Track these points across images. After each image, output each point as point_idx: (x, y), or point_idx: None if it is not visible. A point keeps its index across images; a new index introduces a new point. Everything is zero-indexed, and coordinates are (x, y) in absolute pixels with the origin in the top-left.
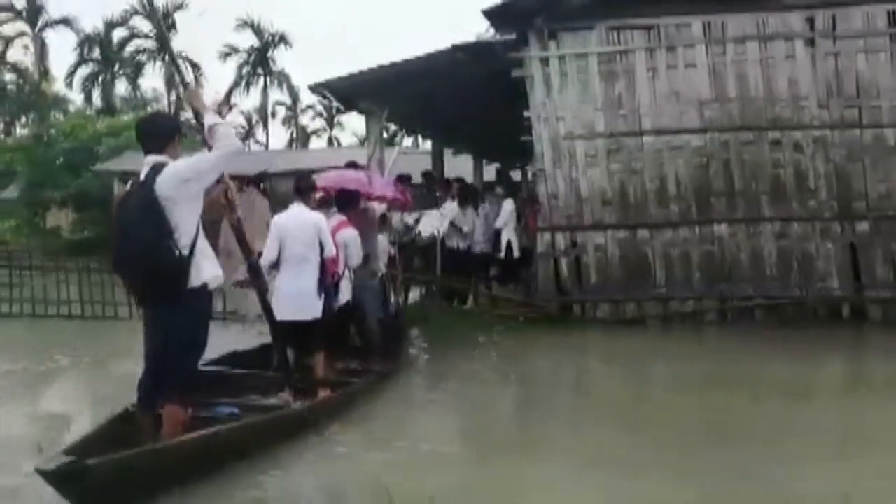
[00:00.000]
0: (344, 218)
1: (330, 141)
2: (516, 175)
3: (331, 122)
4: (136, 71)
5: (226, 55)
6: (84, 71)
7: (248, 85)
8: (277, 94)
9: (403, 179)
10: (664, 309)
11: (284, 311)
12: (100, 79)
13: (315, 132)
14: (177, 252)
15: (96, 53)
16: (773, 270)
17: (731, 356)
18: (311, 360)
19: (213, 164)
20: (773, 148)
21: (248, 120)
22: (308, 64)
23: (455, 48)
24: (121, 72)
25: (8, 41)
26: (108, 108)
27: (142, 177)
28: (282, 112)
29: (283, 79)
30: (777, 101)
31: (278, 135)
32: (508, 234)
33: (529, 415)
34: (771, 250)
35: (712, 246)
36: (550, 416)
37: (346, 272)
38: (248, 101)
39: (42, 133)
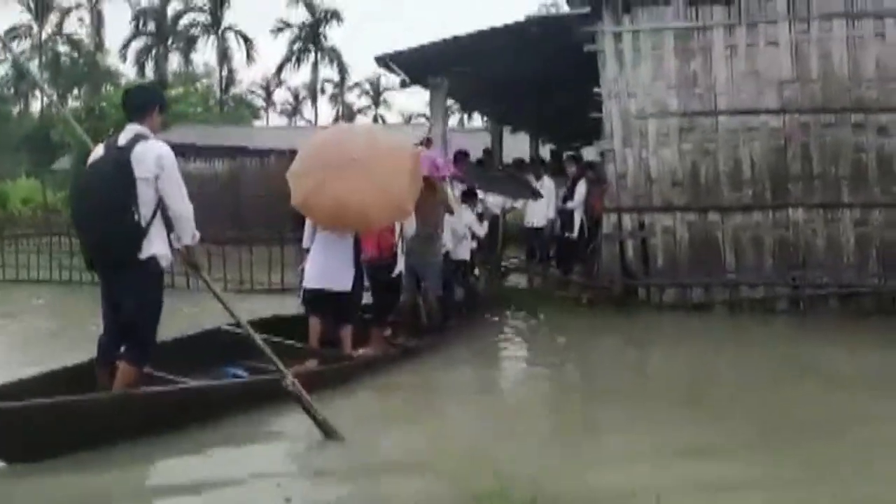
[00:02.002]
0: None
1: (375, 119)
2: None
3: (377, 101)
4: (188, 45)
5: (278, 30)
6: (138, 44)
7: (298, 61)
8: (327, 71)
9: (461, 156)
10: (733, 295)
11: (313, 278)
12: (153, 52)
13: (361, 110)
14: (136, 217)
15: (151, 27)
16: (851, 258)
17: (804, 345)
18: (339, 332)
19: (175, 201)
20: (856, 131)
21: (295, 96)
22: (358, 41)
23: (527, 20)
24: (174, 45)
25: (64, 12)
26: (161, 82)
27: (121, 142)
28: (329, 89)
29: (333, 55)
30: (862, 81)
31: (324, 112)
32: (580, 214)
33: (590, 399)
34: (849, 237)
35: (787, 231)
36: (613, 400)
37: (401, 244)
38: (297, 77)
39: (94, 105)
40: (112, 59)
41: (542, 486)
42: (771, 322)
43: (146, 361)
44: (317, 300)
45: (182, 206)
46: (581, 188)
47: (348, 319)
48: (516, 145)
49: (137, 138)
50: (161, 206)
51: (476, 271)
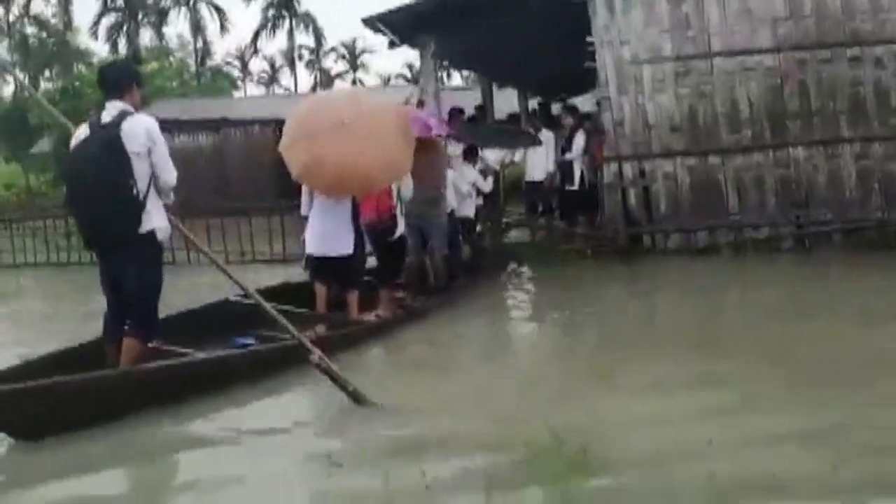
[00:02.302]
0: None
1: (354, 83)
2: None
3: (354, 65)
4: (160, 18)
5: None
6: (108, 20)
7: (273, 28)
8: (302, 37)
9: (456, 113)
10: (737, 237)
11: (315, 245)
12: (124, 28)
13: (339, 75)
14: (135, 191)
15: (120, 2)
16: (853, 193)
17: (811, 282)
18: (346, 296)
19: (166, 172)
20: (853, 65)
21: (272, 65)
22: (331, 4)
23: None
24: (145, 20)
25: None
26: (134, 57)
27: (105, 119)
28: (305, 55)
29: (308, 20)
30: (856, 14)
31: (302, 79)
32: (581, 165)
33: (609, 347)
34: (850, 172)
35: (788, 170)
36: (632, 348)
37: (399, 205)
38: (272, 45)
39: (69, 85)
40: (83, 38)
41: (587, 439)
42: (777, 261)
43: (152, 335)
44: (320, 266)
45: (172, 177)
46: (579, 139)
47: (353, 283)
48: (504, 101)
49: (123, 115)
50: (153, 181)
51: (478, 228)
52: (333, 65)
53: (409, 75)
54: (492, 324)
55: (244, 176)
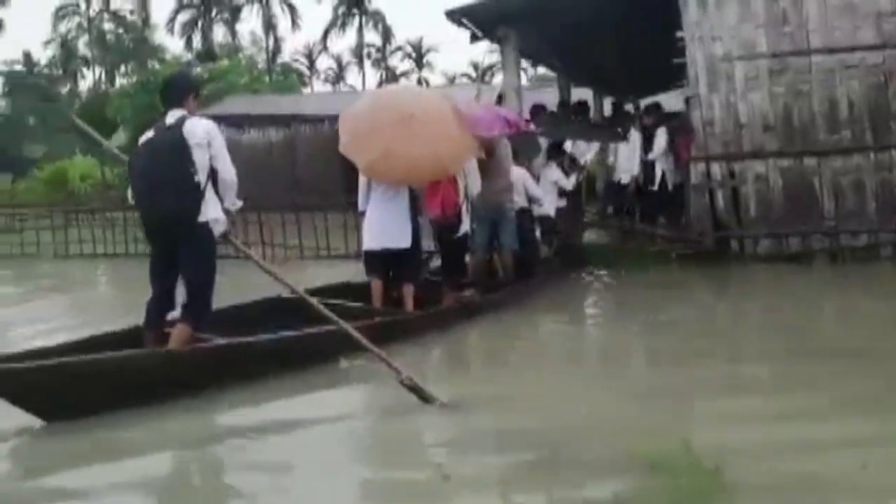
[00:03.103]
0: None
1: (419, 82)
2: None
3: (419, 63)
4: (233, 15)
5: None
6: (183, 17)
7: (343, 25)
8: (370, 35)
9: (538, 109)
10: (833, 243)
11: (373, 239)
12: (199, 24)
13: (404, 74)
14: (196, 178)
15: None
16: None
17: None
18: (402, 291)
19: (225, 166)
20: None
21: (339, 62)
22: (401, 2)
23: None
24: (218, 17)
25: None
26: (208, 54)
27: (169, 121)
28: (372, 54)
29: (378, 18)
30: None
31: (368, 77)
32: (662, 165)
33: (695, 356)
34: None
35: (890, 174)
36: (724, 358)
37: (466, 202)
38: (340, 42)
39: (146, 80)
40: (159, 34)
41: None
42: (876, 270)
43: (204, 324)
44: (376, 261)
45: (231, 171)
46: (660, 138)
47: (411, 278)
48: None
49: (184, 118)
50: (213, 173)
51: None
52: (399, 63)
53: (473, 74)
54: (563, 324)
55: (314, 171)
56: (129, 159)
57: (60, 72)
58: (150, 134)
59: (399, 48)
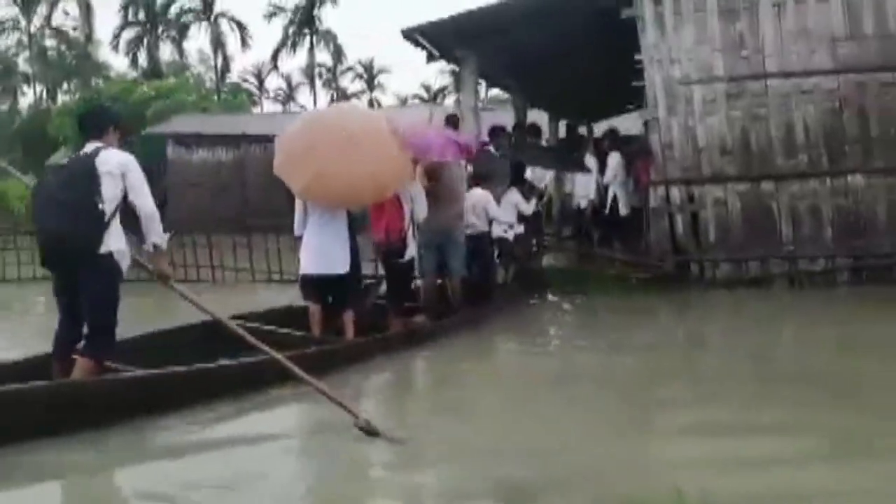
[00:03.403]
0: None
1: (370, 103)
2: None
3: (371, 84)
4: (180, 33)
5: (271, 14)
6: (129, 34)
7: (293, 45)
8: (324, 55)
9: (498, 131)
10: (791, 268)
11: (309, 264)
12: (145, 41)
13: (355, 94)
14: (100, 207)
15: (141, 16)
16: None
17: (871, 319)
18: (342, 318)
19: (144, 200)
20: None
21: (288, 82)
22: (352, 23)
23: None
24: (165, 34)
25: (53, 4)
26: (154, 72)
27: (85, 151)
28: (322, 74)
29: (329, 38)
30: None
31: (319, 97)
32: (615, 189)
33: (652, 385)
34: None
35: (846, 199)
36: (678, 386)
37: (412, 228)
38: (289, 62)
39: (89, 97)
40: (103, 51)
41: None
42: (833, 295)
43: (106, 355)
44: (314, 286)
45: (150, 204)
46: (613, 161)
47: (349, 304)
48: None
49: (99, 149)
50: (123, 206)
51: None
52: (350, 84)
53: (425, 95)
54: (516, 351)
55: (264, 192)
56: (37, 182)
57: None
58: (64, 160)
59: (350, 68)
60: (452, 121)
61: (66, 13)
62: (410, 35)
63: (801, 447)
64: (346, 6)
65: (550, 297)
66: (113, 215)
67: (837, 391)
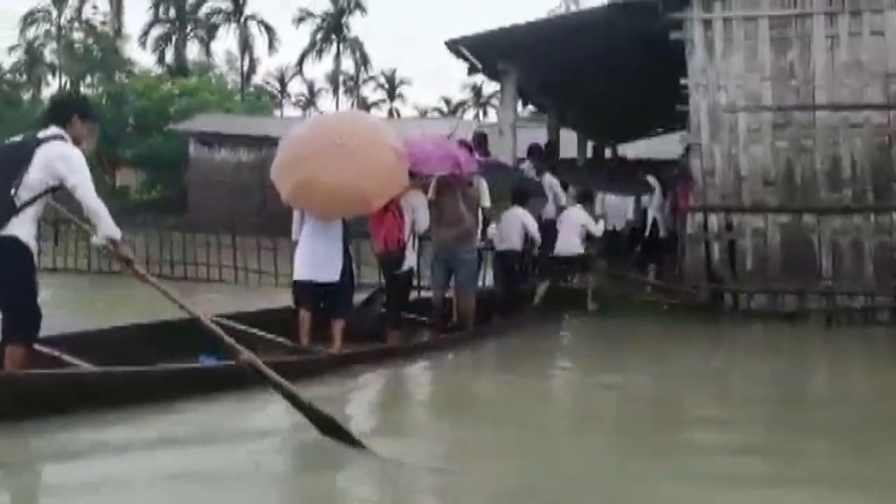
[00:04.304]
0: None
1: (390, 113)
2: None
3: (392, 94)
4: (209, 33)
5: (300, 20)
6: (157, 31)
7: (320, 52)
8: (349, 63)
9: (534, 151)
10: (829, 304)
11: (301, 270)
12: (173, 39)
13: (375, 104)
14: (13, 193)
15: (171, 13)
16: None
17: None
18: (332, 326)
19: (87, 195)
20: None
21: (310, 88)
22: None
23: (611, 5)
24: (192, 33)
25: None
26: (180, 70)
27: (41, 135)
28: (345, 81)
29: (356, 46)
30: None
31: (340, 104)
32: (654, 213)
33: (671, 423)
34: None
35: (890, 237)
36: (700, 427)
37: (412, 239)
38: (318, 68)
39: (114, 91)
40: (129, 47)
41: None
42: (872, 334)
43: (23, 338)
44: (305, 292)
45: (96, 202)
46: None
47: (340, 312)
48: (564, 141)
49: (56, 136)
50: (41, 204)
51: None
52: (371, 93)
53: (445, 109)
54: (513, 372)
55: None
56: None
57: (24, 78)
58: (18, 138)
59: (372, 77)
60: (479, 139)
61: (95, 7)
62: (454, 46)
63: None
64: (373, 15)
65: (576, 318)
66: (27, 204)
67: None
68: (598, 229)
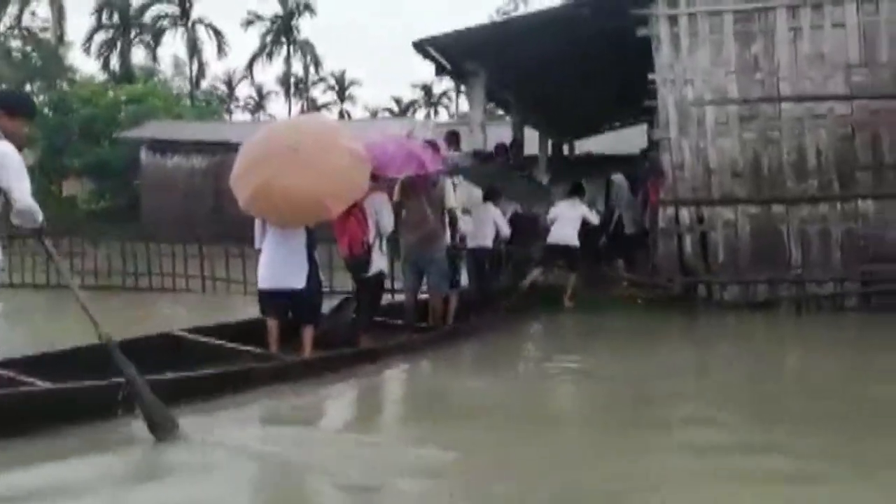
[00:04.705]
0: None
1: (341, 114)
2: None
3: (342, 96)
4: (156, 38)
5: (248, 23)
6: (101, 37)
7: (269, 55)
8: (298, 65)
9: (501, 150)
10: (799, 292)
11: (265, 278)
12: (118, 45)
13: (325, 105)
14: None
15: (115, 18)
16: None
17: (878, 345)
18: (301, 333)
19: (20, 190)
20: None
21: (259, 91)
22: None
23: (578, 3)
24: (138, 39)
25: (24, 5)
26: (126, 76)
27: None
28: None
29: (307, 48)
30: None
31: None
32: (619, 209)
33: (648, 411)
34: None
35: (855, 224)
36: (676, 411)
37: (379, 241)
38: (268, 71)
39: (57, 99)
40: (72, 54)
41: None
42: (841, 320)
43: None
44: (271, 301)
45: (28, 200)
46: (618, 180)
47: (307, 319)
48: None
49: None
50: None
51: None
52: (321, 95)
53: (396, 109)
54: (491, 373)
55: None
56: None
57: None
58: None
59: (322, 79)
60: (452, 139)
61: (34, 14)
62: (421, 47)
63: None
64: (322, 16)
65: (552, 315)
66: None
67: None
68: (595, 218)
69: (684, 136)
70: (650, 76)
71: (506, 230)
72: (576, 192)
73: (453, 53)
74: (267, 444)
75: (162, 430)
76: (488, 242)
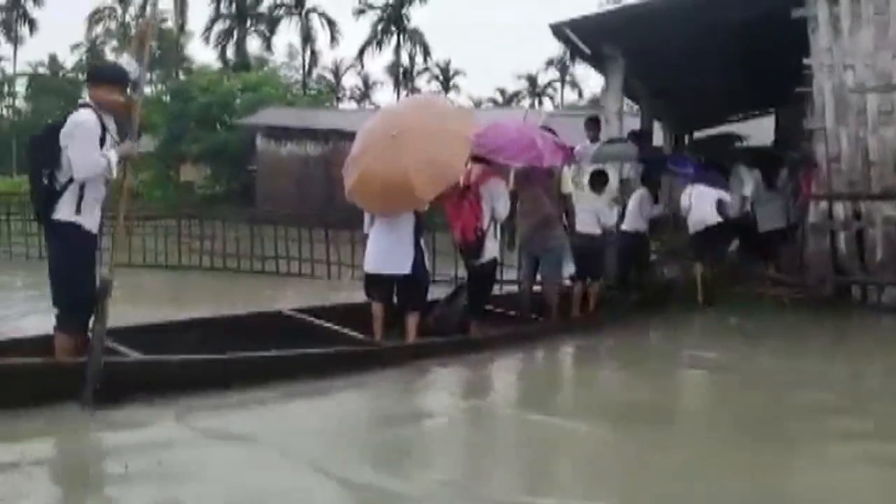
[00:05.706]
0: (487, 168)
1: None
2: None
3: (446, 86)
4: (270, 27)
5: (360, 12)
6: (219, 27)
7: (380, 43)
8: (405, 55)
9: (633, 136)
10: None
11: (372, 263)
12: (234, 34)
13: None
14: (46, 181)
15: (232, 9)
16: None
17: None
18: (406, 319)
19: (76, 160)
20: None
21: (365, 81)
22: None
23: None
24: (253, 28)
25: None
26: (242, 64)
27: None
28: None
29: (416, 37)
30: None
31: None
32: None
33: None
34: None
35: None
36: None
37: (493, 228)
38: (376, 61)
39: (177, 88)
40: (190, 44)
41: None
42: None
43: (75, 327)
44: (376, 285)
45: (84, 169)
46: (754, 174)
47: (413, 305)
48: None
49: (77, 107)
50: (85, 180)
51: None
52: (426, 84)
53: (500, 100)
54: (589, 370)
55: None
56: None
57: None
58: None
59: (427, 69)
60: (592, 125)
61: (154, 4)
62: (559, 30)
63: None
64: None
65: (685, 313)
66: (67, 186)
67: None
68: (732, 201)
69: (842, 125)
70: (805, 61)
71: (612, 219)
72: (645, 180)
73: (592, 36)
74: None
75: (86, 394)
76: (641, 226)
